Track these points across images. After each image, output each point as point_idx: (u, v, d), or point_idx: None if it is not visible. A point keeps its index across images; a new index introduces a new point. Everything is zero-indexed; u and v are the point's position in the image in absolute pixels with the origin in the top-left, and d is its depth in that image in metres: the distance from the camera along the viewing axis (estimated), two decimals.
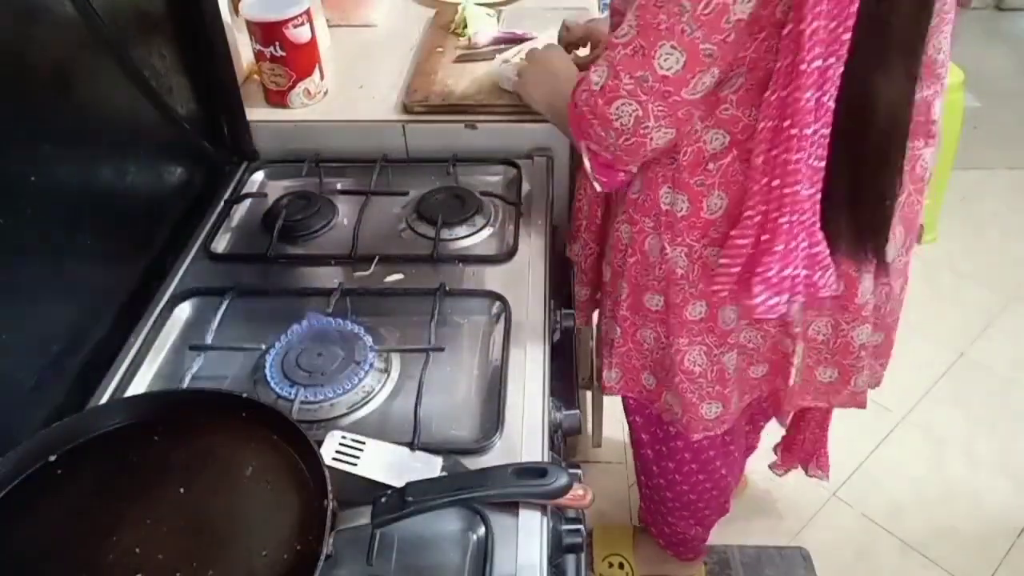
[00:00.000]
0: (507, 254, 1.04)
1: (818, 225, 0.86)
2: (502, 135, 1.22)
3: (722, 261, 0.91)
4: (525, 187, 1.16)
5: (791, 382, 1.08)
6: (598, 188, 0.95)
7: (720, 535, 1.66)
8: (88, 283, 0.91)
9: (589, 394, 1.64)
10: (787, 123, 0.79)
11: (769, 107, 0.80)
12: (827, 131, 0.79)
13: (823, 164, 0.81)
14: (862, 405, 1.20)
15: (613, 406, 1.93)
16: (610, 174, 0.93)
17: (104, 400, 0.85)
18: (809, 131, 0.78)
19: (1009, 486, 1.76)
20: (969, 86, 2.24)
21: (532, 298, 0.97)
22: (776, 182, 0.82)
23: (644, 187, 0.96)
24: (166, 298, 0.98)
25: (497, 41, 1.38)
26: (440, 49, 1.39)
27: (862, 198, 0.88)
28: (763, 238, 0.86)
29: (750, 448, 1.53)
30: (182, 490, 0.70)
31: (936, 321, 2.16)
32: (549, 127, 1.22)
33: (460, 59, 1.34)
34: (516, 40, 1.36)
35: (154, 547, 0.65)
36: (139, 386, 0.88)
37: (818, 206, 0.85)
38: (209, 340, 0.91)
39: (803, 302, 0.91)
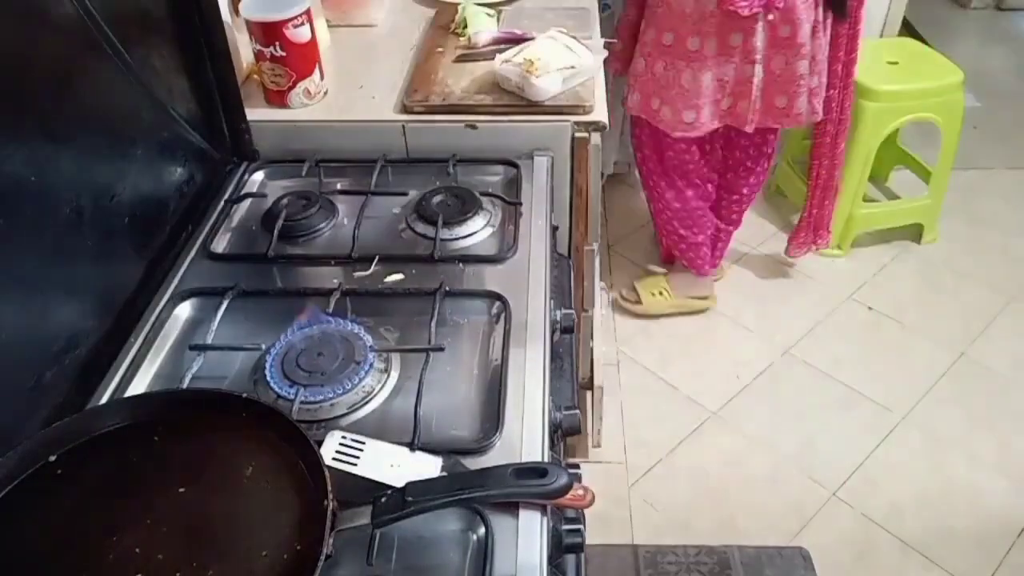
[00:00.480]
0: (507, 254, 1.04)
1: None
2: (502, 135, 1.23)
3: None
4: (525, 187, 1.16)
5: (752, 98, 1.72)
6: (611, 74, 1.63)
7: (720, 535, 1.66)
8: (88, 283, 0.91)
9: (589, 394, 1.64)
10: None
11: None
12: None
13: None
14: (800, 123, 1.85)
15: (613, 406, 1.94)
16: (624, 62, 1.77)
17: (104, 400, 0.85)
18: None
19: (1009, 486, 1.76)
20: (969, 86, 2.24)
21: (532, 298, 0.97)
22: None
23: None
24: (166, 298, 0.98)
25: (497, 41, 1.38)
26: (440, 49, 1.39)
27: None
28: None
29: (709, 199, 2.12)
30: (182, 490, 0.70)
31: (936, 321, 2.16)
32: (549, 127, 1.23)
33: (460, 59, 1.34)
34: (516, 40, 1.36)
35: (154, 547, 0.65)
36: (139, 386, 0.88)
37: None
38: (209, 340, 0.91)
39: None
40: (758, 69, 1.68)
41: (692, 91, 1.70)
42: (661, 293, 2.19)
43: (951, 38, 3.45)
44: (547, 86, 1.21)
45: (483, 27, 1.42)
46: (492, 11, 1.48)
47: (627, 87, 1.84)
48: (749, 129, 1.80)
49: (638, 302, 2.19)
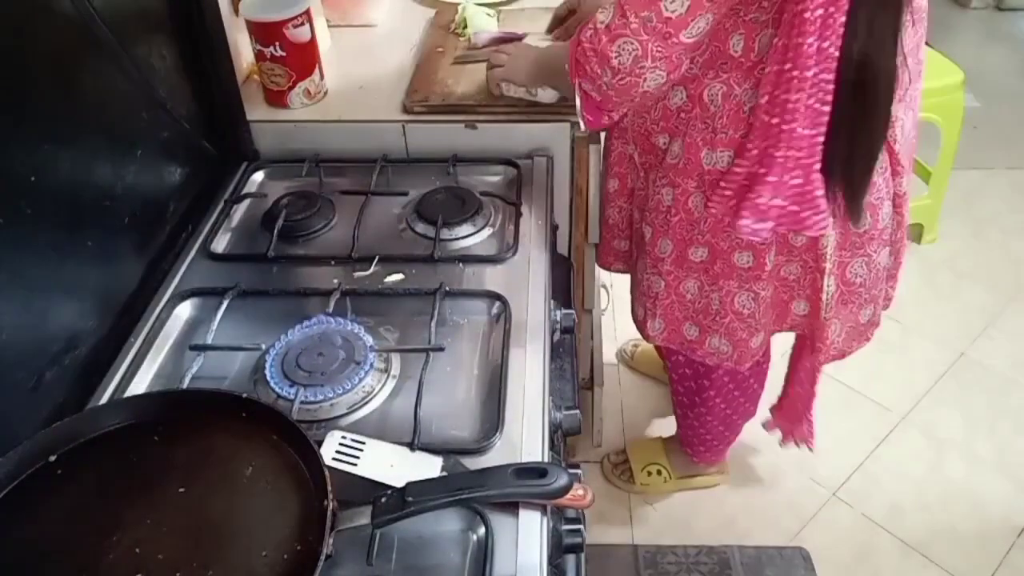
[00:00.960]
0: (507, 254, 1.04)
1: (817, 168, 0.95)
2: (502, 135, 1.23)
3: (721, 184, 1.03)
4: (525, 187, 1.16)
5: (821, 316, 1.19)
6: (582, 127, 1.06)
7: (720, 535, 1.66)
8: (88, 283, 0.91)
9: (589, 394, 1.64)
10: (788, 66, 0.88)
11: (775, 52, 0.90)
12: (829, 76, 0.88)
13: (826, 109, 0.90)
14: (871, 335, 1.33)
15: (613, 406, 1.94)
16: (597, 115, 1.03)
17: (104, 400, 0.85)
18: (810, 73, 0.87)
19: (1009, 486, 1.76)
20: (969, 86, 2.24)
21: (532, 298, 0.97)
22: (775, 120, 0.92)
23: (684, 152, 1.07)
24: (166, 298, 0.98)
25: (496, 41, 1.38)
26: (440, 49, 1.39)
27: (858, 144, 0.97)
28: (760, 171, 0.96)
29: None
30: (182, 490, 0.70)
31: (936, 321, 2.16)
32: (549, 127, 1.22)
33: (458, 61, 1.34)
34: (516, 39, 1.36)
35: (154, 547, 0.65)
36: (139, 386, 0.88)
37: (818, 148, 0.93)
38: (209, 340, 0.91)
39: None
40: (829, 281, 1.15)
41: (756, 316, 1.19)
42: (659, 472, 1.73)
43: (951, 38, 3.45)
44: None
45: (483, 27, 1.42)
46: (492, 11, 1.48)
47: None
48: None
49: (630, 480, 1.74)
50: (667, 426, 1.90)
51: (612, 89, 0.96)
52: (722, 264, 1.14)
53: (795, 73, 0.88)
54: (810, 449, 1.58)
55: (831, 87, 0.89)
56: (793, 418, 1.55)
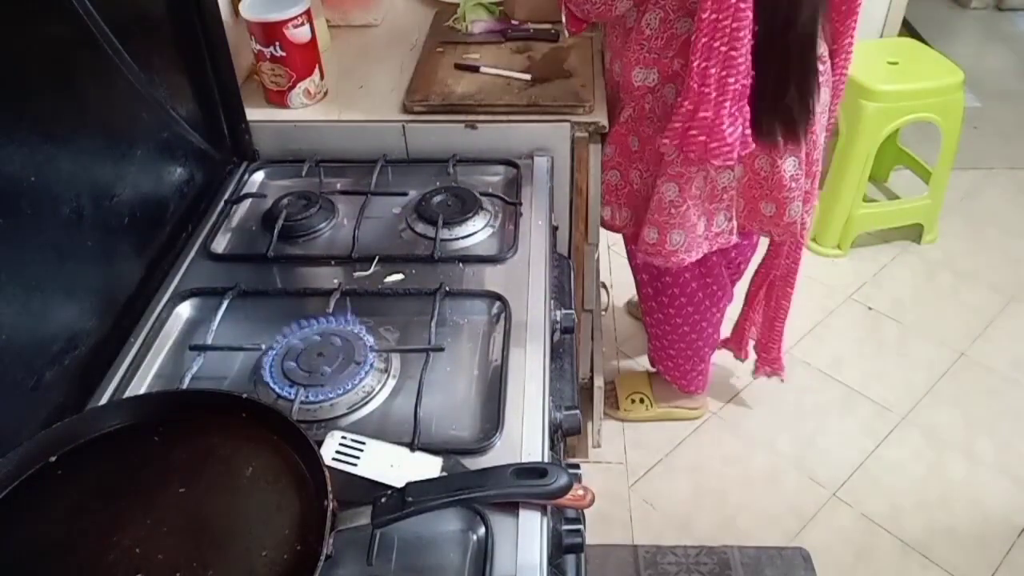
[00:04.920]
0: (507, 254, 1.04)
1: (727, 105, 1.18)
2: (502, 135, 1.23)
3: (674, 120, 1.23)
4: (525, 187, 1.16)
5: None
6: (566, 35, 1.34)
7: (720, 535, 1.66)
8: (88, 283, 0.91)
9: (589, 394, 1.64)
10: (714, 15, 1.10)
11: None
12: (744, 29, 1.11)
13: (735, 55, 1.13)
14: (795, 235, 1.48)
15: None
16: (578, 25, 1.29)
17: (104, 400, 0.85)
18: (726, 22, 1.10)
19: (1009, 486, 1.76)
20: (969, 86, 2.24)
21: (532, 298, 0.97)
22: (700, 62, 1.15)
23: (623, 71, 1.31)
24: (166, 298, 0.98)
25: (492, 31, 1.38)
26: (440, 49, 1.39)
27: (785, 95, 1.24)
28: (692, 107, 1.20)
29: (728, 298, 1.76)
30: (182, 490, 0.70)
31: (936, 321, 2.16)
32: (549, 127, 1.22)
33: (460, 66, 1.34)
34: (512, 30, 1.37)
35: (154, 547, 0.65)
36: (139, 386, 0.88)
37: (729, 88, 1.17)
38: (209, 340, 0.91)
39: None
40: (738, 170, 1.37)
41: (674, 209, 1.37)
42: (641, 400, 1.89)
43: (951, 38, 3.45)
44: None
45: (480, 17, 1.42)
46: (493, 7, 1.48)
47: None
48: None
49: (614, 405, 1.89)
50: (667, 427, 1.91)
51: (592, 14, 1.26)
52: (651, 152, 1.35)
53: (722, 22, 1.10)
54: (781, 380, 1.84)
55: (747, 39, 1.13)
56: (760, 346, 1.81)
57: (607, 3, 1.22)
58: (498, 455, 0.78)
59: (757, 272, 1.73)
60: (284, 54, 1.21)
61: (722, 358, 2.08)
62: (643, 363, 2.06)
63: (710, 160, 1.23)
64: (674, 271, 1.55)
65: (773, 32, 1.16)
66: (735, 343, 1.87)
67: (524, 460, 0.78)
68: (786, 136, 1.28)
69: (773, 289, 1.71)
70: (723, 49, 1.13)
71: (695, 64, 1.15)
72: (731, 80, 1.15)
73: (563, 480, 0.71)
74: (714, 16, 1.10)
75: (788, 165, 1.34)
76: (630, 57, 1.27)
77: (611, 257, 2.40)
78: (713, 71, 1.15)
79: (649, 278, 1.64)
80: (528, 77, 1.29)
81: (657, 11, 1.22)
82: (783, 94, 1.23)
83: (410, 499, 0.68)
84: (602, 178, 1.39)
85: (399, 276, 1.01)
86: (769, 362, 1.82)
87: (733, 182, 1.37)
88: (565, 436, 0.95)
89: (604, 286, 1.82)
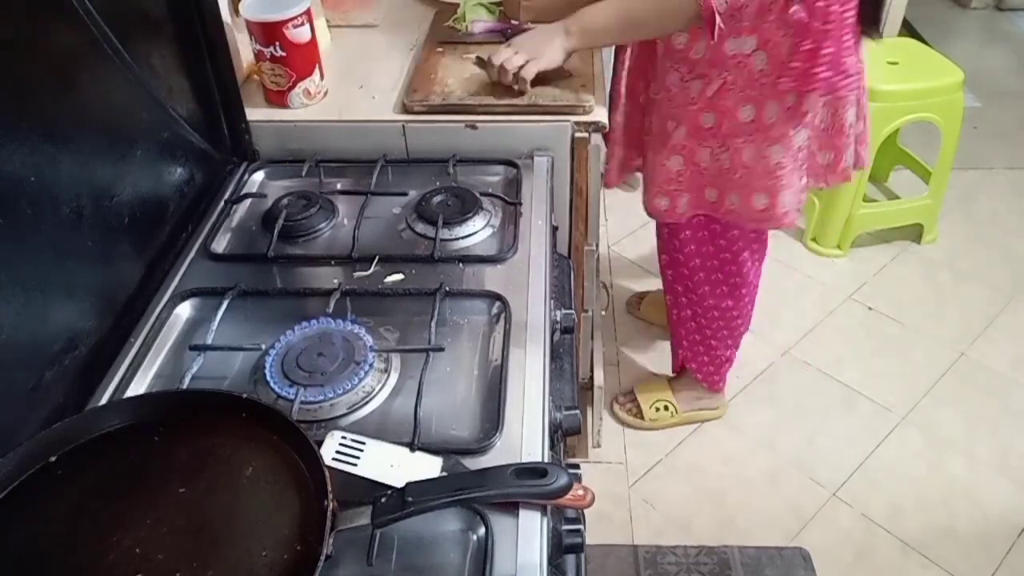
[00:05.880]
0: (507, 254, 1.04)
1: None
2: (502, 135, 1.23)
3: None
4: (525, 187, 1.16)
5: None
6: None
7: (720, 535, 1.66)
8: (88, 283, 0.91)
9: (589, 394, 1.64)
10: None
11: None
12: None
13: None
14: (848, 179, 1.48)
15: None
16: (618, 179, 1.51)
17: (104, 400, 0.85)
18: None
19: (1009, 486, 1.76)
20: (969, 86, 2.24)
21: (532, 298, 0.97)
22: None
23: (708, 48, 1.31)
24: (166, 298, 0.98)
25: (492, 31, 1.38)
26: (440, 49, 1.39)
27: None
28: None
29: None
30: (182, 490, 0.70)
31: (936, 321, 2.16)
32: (549, 127, 1.22)
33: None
34: (512, 30, 1.38)
35: (154, 547, 0.65)
36: (139, 386, 0.88)
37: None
38: (209, 340, 0.91)
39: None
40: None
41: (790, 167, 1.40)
42: (666, 407, 1.89)
43: (951, 38, 3.45)
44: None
45: (480, 17, 1.42)
46: (493, 7, 1.48)
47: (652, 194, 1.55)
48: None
49: (639, 415, 1.89)
50: (667, 369, 1.93)
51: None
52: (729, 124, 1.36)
53: None
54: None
55: None
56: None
57: None
58: (498, 455, 0.78)
59: None
60: (284, 54, 1.21)
61: None
62: (643, 363, 2.06)
63: (838, 92, 1.31)
64: (736, 247, 1.59)
65: None
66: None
67: (524, 460, 0.78)
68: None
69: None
70: None
71: (818, 4, 1.21)
72: (848, 15, 1.24)
73: (563, 480, 0.71)
74: None
75: (849, 114, 1.37)
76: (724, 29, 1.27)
77: (611, 257, 2.40)
78: (834, 8, 1.22)
79: (702, 260, 1.63)
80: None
81: None
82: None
83: (410, 499, 0.68)
84: (656, 166, 1.46)
85: (399, 276, 1.01)
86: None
87: (807, 140, 1.40)
88: (565, 436, 0.95)
89: (604, 286, 1.82)
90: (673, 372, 1.92)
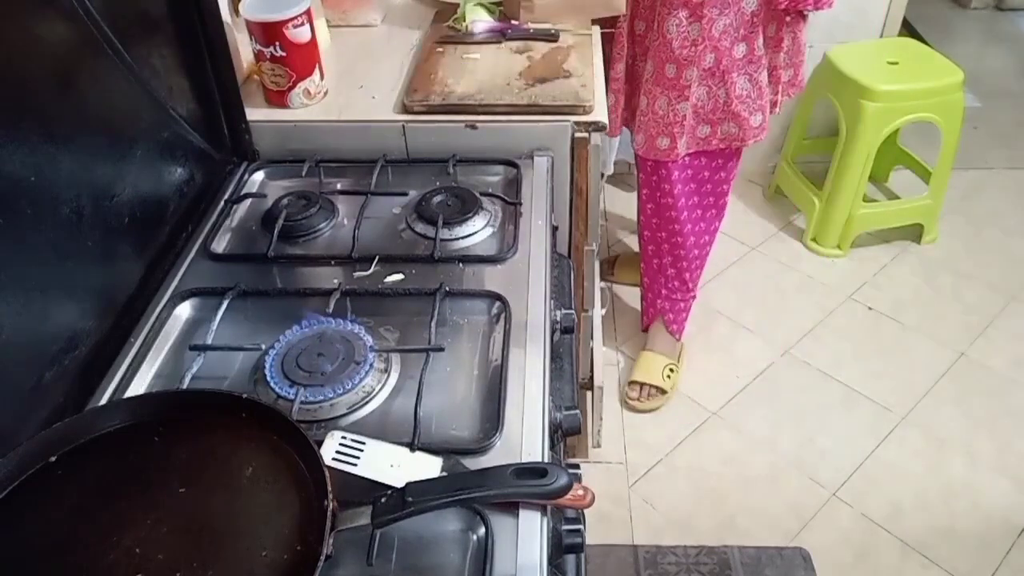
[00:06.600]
0: (507, 254, 1.04)
1: None
2: (502, 135, 1.23)
3: None
4: (525, 187, 1.16)
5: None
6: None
7: (720, 535, 1.66)
8: (88, 283, 0.91)
9: (589, 394, 1.64)
10: None
11: None
12: None
13: None
14: (803, 90, 1.83)
15: (613, 406, 1.94)
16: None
17: (104, 400, 0.85)
18: None
19: (1009, 486, 1.76)
20: (969, 86, 2.24)
21: (532, 298, 0.97)
22: None
23: None
24: (166, 298, 0.98)
25: (492, 31, 1.38)
26: (440, 49, 1.39)
27: None
28: None
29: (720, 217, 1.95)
30: (182, 490, 0.70)
31: (936, 321, 2.16)
32: (549, 127, 1.22)
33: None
34: (512, 30, 1.37)
35: (154, 547, 0.65)
36: (139, 386, 0.88)
37: None
38: (209, 340, 0.91)
39: None
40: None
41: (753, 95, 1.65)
42: (671, 369, 1.98)
43: (951, 38, 3.45)
44: None
45: (480, 17, 1.42)
46: (493, 7, 1.48)
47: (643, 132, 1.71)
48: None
49: (659, 393, 1.94)
50: (667, 427, 1.91)
51: None
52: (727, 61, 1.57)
53: None
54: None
55: None
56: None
57: None
58: (498, 455, 0.78)
59: None
60: (284, 54, 1.21)
61: (721, 357, 2.08)
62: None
63: (822, 6, 1.54)
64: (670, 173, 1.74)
65: None
66: None
67: (524, 460, 0.78)
68: None
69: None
70: None
71: None
72: None
73: (563, 480, 0.71)
74: None
75: (804, 35, 1.65)
76: None
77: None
78: None
79: (649, 193, 1.80)
80: None
81: None
82: None
83: (410, 499, 0.68)
84: (656, 109, 1.63)
85: (399, 276, 1.01)
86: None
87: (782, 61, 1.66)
88: (565, 436, 0.95)
89: (604, 286, 1.82)
90: (643, 329, 2.06)
